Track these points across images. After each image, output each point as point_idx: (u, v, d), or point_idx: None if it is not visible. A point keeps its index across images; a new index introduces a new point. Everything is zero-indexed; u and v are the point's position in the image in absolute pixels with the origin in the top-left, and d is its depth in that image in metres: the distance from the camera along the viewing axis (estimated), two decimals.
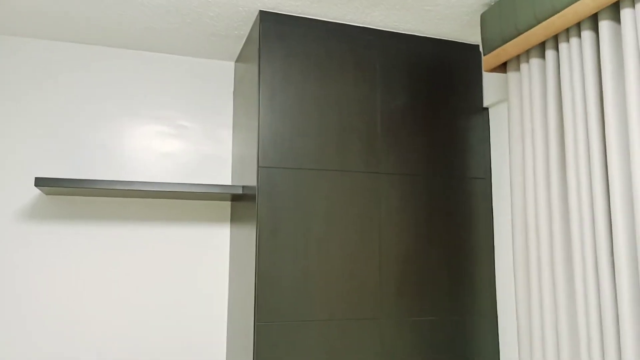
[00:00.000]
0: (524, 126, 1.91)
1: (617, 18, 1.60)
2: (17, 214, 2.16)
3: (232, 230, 2.36)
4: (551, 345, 1.76)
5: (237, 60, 2.46)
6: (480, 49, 2.28)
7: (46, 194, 2.16)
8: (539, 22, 1.74)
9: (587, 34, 1.65)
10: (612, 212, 1.56)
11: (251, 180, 2.00)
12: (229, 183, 2.44)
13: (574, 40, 1.71)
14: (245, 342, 1.96)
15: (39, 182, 1.91)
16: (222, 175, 2.44)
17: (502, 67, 2.04)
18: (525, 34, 1.80)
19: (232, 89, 2.53)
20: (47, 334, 2.13)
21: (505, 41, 1.90)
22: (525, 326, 1.90)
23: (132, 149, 2.33)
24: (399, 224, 2.06)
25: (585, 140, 1.67)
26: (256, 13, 2.04)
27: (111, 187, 1.97)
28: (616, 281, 1.55)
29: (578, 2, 1.59)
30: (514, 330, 2.07)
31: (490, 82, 2.22)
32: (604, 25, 1.59)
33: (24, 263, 2.15)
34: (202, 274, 2.35)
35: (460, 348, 2.07)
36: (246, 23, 2.13)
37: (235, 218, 2.30)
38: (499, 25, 1.92)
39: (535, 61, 1.87)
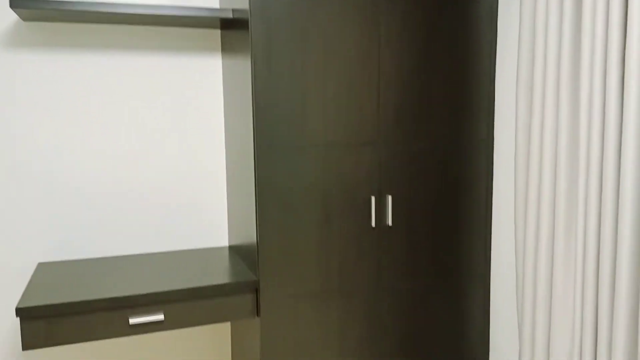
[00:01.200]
0: None
1: None
2: None
3: (224, 60, 2.26)
4: (548, 202, 1.80)
5: None
6: None
7: (24, 20, 2.01)
8: None
9: None
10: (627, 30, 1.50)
11: (242, 2, 1.87)
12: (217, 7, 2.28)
13: None
14: (245, 169, 1.98)
15: (15, 3, 1.76)
16: (209, 1, 2.28)
17: None
18: None
19: None
20: (30, 164, 2.12)
21: None
22: (524, 153, 1.94)
23: None
24: (399, 50, 1.98)
25: None
26: None
27: (94, 10, 1.83)
28: (622, 129, 1.54)
29: None
30: (511, 155, 2.11)
31: None
32: None
33: (4, 94, 2.06)
34: (194, 105, 2.30)
35: (454, 173, 2.12)
36: None
37: (226, 48, 2.19)
38: None
39: None
